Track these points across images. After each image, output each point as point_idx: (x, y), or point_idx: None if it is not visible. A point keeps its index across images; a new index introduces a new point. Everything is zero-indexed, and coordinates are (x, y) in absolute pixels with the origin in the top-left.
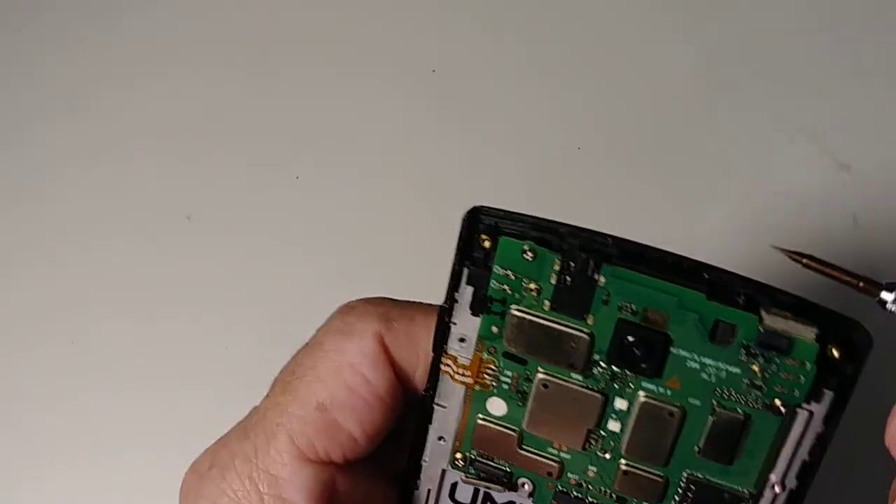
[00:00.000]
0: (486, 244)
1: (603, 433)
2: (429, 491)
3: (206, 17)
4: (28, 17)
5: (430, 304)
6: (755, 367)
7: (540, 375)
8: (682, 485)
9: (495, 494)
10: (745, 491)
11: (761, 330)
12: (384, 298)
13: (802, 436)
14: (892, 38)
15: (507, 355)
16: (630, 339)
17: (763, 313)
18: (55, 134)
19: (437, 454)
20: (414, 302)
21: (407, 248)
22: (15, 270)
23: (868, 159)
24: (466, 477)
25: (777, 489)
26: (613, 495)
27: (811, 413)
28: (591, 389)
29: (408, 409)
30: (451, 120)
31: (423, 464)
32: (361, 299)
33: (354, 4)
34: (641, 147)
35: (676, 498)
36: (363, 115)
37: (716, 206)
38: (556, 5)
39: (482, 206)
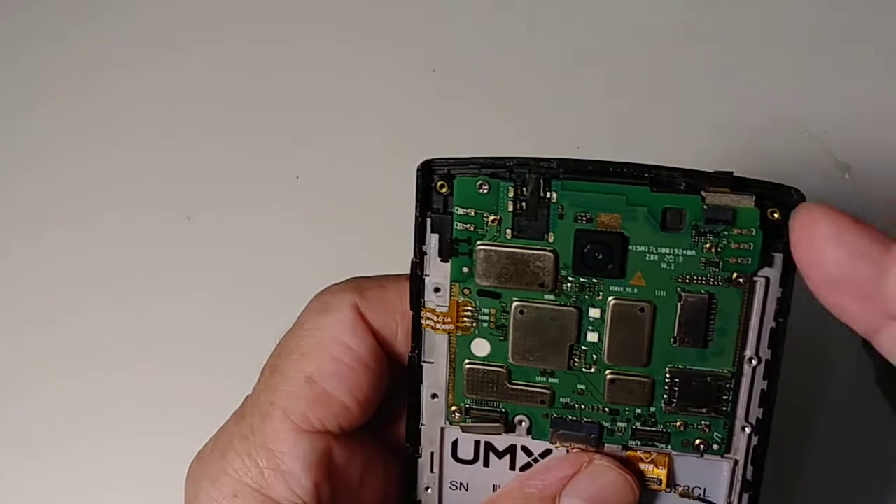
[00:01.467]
0: (444, 189)
1: (584, 347)
2: (432, 455)
3: (205, 17)
4: (26, 16)
5: (399, 274)
6: (708, 246)
7: (515, 303)
8: (667, 380)
9: (496, 442)
10: (726, 371)
11: (705, 207)
12: (355, 277)
13: (765, 303)
14: (893, 37)
15: (481, 292)
16: (590, 246)
17: (704, 194)
18: (54, 134)
19: (433, 413)
20: (384, 274)
21: (406, 249)
22: (15, 271)
23: (868, 159)
24: (465, 428)
25: (754, 362)
26: (606, 408)
27: (767, 279)
28: (565, 305)
29: (399, 379)
30: (451, 120)
31: (422, 427)
32: (334, 284)
33: (354, 4)
34: (641, 146)
35: (665, 395)
36: (363, 114)
37: None
38: (555, 5)
39: (433, 158)
